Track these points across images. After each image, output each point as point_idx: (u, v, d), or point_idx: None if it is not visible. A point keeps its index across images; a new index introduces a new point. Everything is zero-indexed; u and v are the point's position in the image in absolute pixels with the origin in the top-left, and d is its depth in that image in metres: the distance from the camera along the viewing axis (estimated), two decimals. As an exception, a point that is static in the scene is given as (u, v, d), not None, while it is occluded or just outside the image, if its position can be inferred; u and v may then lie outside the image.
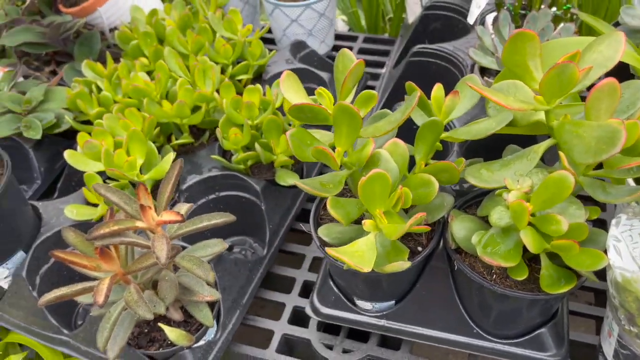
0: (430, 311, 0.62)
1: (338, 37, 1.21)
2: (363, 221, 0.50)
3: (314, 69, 0.93)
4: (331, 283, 0.66)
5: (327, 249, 0.46)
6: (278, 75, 0.92)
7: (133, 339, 0.61)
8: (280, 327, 0.71)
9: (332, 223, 0.60)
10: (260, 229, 0.78)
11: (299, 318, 0.74)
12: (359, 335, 0.69)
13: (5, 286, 0.70)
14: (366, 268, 0.46)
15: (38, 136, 0.80)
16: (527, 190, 0.48)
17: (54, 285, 0.71)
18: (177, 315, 0.60)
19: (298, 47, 1.00)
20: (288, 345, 0.72)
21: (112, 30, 1.02)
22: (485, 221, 0.57)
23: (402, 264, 0.49)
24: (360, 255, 0.47)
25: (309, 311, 0.67)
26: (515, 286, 0.53)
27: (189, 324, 0.62)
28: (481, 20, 0.90)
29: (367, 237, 0.50)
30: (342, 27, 1.44)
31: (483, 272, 0.54)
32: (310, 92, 0.58)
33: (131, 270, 0.54)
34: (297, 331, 0.71)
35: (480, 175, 0.53)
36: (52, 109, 0.85)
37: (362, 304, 0.64)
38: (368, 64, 1.07)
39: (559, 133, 0.49)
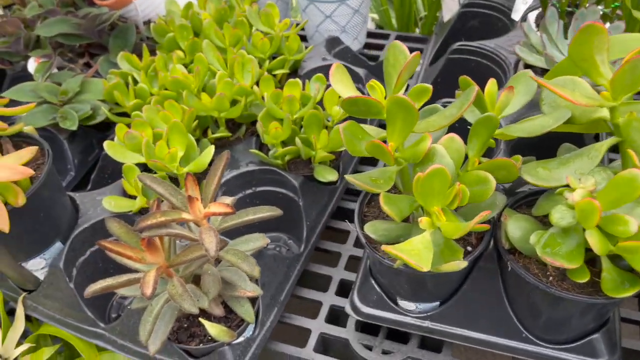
0: (477, 313, 0.60)
1: (370, 34, 1.20)
2: (420, 219, 0.48)
3: (350, 64, 0.92)
4: (372, 282, 0.65)
5: (384, 246, 0.45)
6: (314, 70, 0.91)
7: (173, 334, 0.60)
8: (317, 326, 0.70)
9: (378, 220, 0.59)
10: (296, 226, 0.76)
11: (335, 317, 0.72)
12: (398, 335, 0.68)
13: (42, 277, 0.69)
14: (425, 267, 0.44)
15: (74, 127, 0.80)
16: (591, 189, 0.46)
17: (89, 278, 0.70)
18: (218, 311, 0.59)
19: (333, 43, 0.99)
20: (324, 344, 0.71)
21: (146, 23, 1.01)
22: (541, 221, 0.55)
23: (459, 264, 0.48)
24: (417, 253, 0.46)
25: (348, 310, 0.66)
26: (573, 289, 0.51)
27: (229, 319, 0.61)
28: (522, 18, 0.88)
29: (423, 235, 0.48)
30: (369, 26, 1.42)
31: (538, 274, 0.53)
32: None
33: (175, 263, 0.53)
34: (334, 330, 0.69)
35: (537, 174, 0.52)
36: (88, 100, 0.84)
37: (405, 304, 0.63)
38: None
39: (626, 131, 0.47)
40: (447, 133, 0.56)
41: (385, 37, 1.20)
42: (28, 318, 0.80)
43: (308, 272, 0.76)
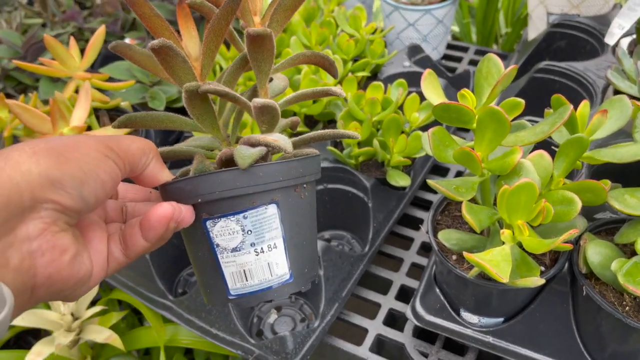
0: (543, 335, 0.59)
1: (449, 46, 1.20)
2: (502, 231, 0.48)
3: (430, 74, 0.92)
4: (437, 290, 0.65)
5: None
6: (394, 76, 0.91)
7: None
8: (375, 327, 0.71)
9: (452, 229, 0.59)
10: (362, 226, 0.78)
11: (392, 320, 0.73)
12: (455, 347, 0.67)
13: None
14: (504, 278, 0.44)
15: (162, 107, 0.84)
16: (684, 222, 0.45)
17: (163, 251, 0.74)
18: (223, 152, 0.42)
19: (414, 50, 1.00)
20: (379, 345, 0.71)
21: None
22: (622, 249, 0.54)
23: (536, 281, 0.48)
24: (496, 264, 0.46)
25: (409, 315, 0.66)
26: (650, 322, 0.50)
27: None
28: (616, 43, 0.86)
29: (503, 247, 0.48)
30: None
31: (614, 303, 0.52)
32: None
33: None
34: (391, 333, 0.70)
35: (625, 201, 0.51)
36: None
37: (468, 316, 0.63)
38: (480, 76, 1.05)
39: None
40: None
41: (464, 49, 1.20)
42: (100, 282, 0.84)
43: (369, 274, 0.77)
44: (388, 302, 0.74)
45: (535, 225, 0.49)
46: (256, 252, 0.40)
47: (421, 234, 0.82)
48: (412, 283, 0.75)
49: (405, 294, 0.75)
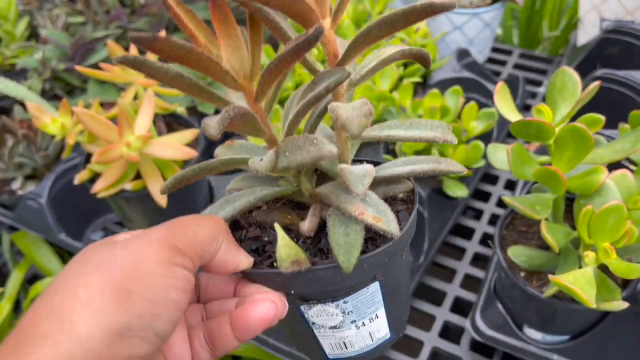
0: (612, 354, 0.58)
1: (493, 49, 1.18)
2: (586, 253, 0.47)
3: (480, 79, 0.91)
4: (498, 305, 0.64)
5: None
6: (444, 81, 0.90)
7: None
8: (430, 339, 0.70)
9: (519, 245, 0.58)
10: (416, 236, 0.76)
11: (447, 332, 0.72)
12: (512, 362, 0.66)
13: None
14: (593, 303, 0.43)
15: (211, 111, 0.83)
16: None
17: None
18: (308, 225, 0.35)
19: (462, 55, 0.98)
20: (434, 358, 0.70)
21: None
22: None
23: (620, 304, 0.46)
24: (581, 287, 0.45)
25: (469, 329, 0.65)
26: None
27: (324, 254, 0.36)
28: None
29: (585, 270, 0.47)
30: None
31: (695, 327, 0.50)
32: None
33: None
34: (447, 346, 0.69)
35: None
36: (224, 87, 0.87)
37: (531, 332, 0.61)
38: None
39: None
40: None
41: (509, 53, 1.17)
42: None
43: (423, 285, 0.76)
44: (443, 314, 0.73)
45: (620, 247, 0.47)
46: (357, 327, 0.38)
47: (473, 244, 0.80)
48: (466, 295, 0.74)
49: (459, 306, 0.74)
